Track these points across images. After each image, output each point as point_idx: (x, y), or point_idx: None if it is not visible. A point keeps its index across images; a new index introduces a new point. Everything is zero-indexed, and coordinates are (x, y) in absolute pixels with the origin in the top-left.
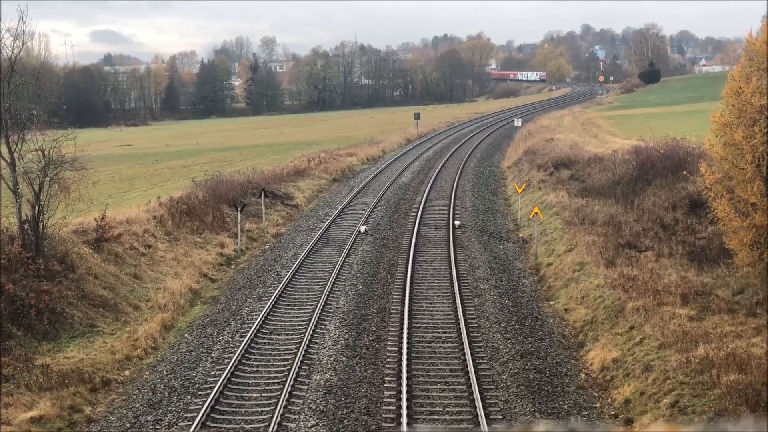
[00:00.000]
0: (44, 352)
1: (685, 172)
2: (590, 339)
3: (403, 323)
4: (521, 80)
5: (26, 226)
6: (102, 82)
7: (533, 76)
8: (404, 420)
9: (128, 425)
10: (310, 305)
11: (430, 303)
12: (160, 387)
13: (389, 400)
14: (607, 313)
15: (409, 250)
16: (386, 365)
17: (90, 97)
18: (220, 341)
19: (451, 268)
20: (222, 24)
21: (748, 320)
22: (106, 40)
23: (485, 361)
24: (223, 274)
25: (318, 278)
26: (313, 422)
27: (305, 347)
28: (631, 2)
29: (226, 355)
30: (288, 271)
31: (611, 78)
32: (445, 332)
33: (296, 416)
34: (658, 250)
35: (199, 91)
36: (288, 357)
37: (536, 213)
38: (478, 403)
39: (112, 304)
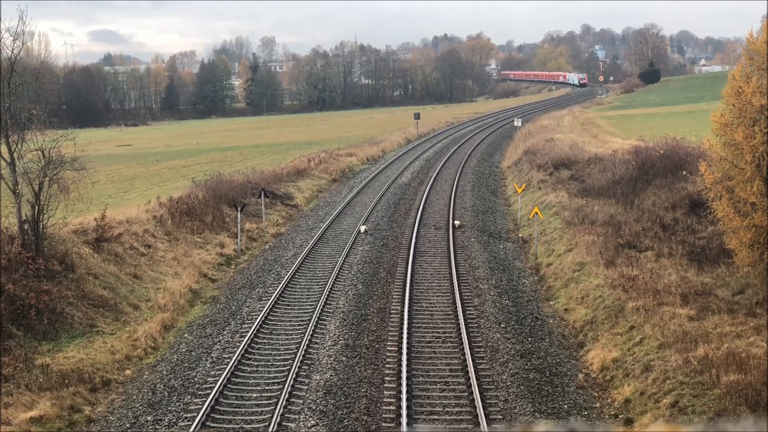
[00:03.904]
0: (44, 352)
1: (684, 172)
2: (590, 339)
3: (402, 323)
4: (569, 83)
5: (26, 226)
6: (102, 82)
7: (574, 78)
8: (404, 420)
9: (128, 425)
10: (310, 305)
11: (430, 303)
12: (160, 387)
13: (389, 400)
14: (607, 313)
15: (409, 250)
16: (386, 365)
17: (90, 97)
18: (220, 341)
19: (450, 268)
20: (223, 23)
21: (748, 320)
22: (105, 39)
23: (485, 361)
24: (223, 274)
25: (318, 278)
26: (313, 422)
27: (305, 347)
28: (631, 2)
29: (226, 355)
30: (288, 271)
31: (611, 78)
32: (445, 332)
33: (296, 416)
34: (658, 250)
35: (199, 91)
36: (288, 357)
37: (536, 213)
38: (478, 403)
39: (112, 304)
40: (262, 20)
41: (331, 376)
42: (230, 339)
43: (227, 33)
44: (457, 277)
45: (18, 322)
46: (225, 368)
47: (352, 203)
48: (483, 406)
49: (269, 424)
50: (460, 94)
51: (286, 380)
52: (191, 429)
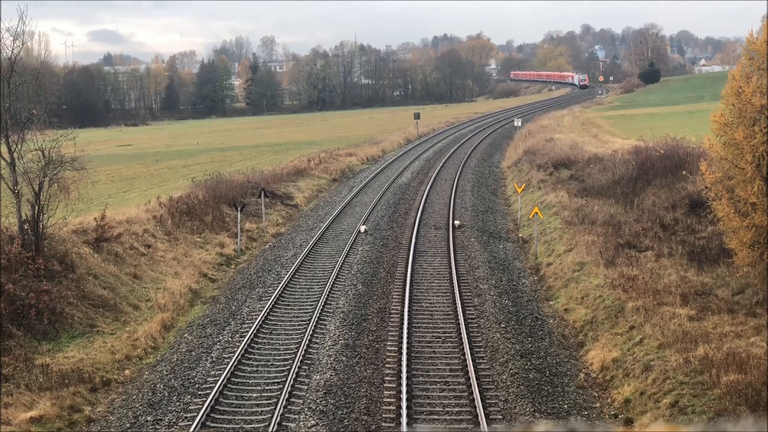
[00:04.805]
0: (44, 352)
1: (684, 172)
2: (590, 339)
3: (402, 323)
4: (574, 84)
5: (26, 226)
6: (102, 82)
7: (576, 80)
8: (404, 420)
9: (128, 425)
10: (310, 305)
11: (430, 303)
12: (159, 387)
13: (389, 400)
14: (607, 313)
15: (409, 250)
16: (386, 365)
17: (90, 97)
18: (219, 341)
19: (450, 268)
20: (223, 23)
21: (748, 320)
22: (105, 39)
23: (485, 361)
24: (223, 274)
25: (318, 278)
26: (313, 422)
27: (305, 347)
28: (631, 2)
29: (225, 355)
30: (288, 271)
31: (611, 78)
32: (445, 332)
33: (296, 416)
34: (658, 250)
35: (199, 91)
36: (288, 357)
37: (536, 213)
38: (478, 403)
39: (112, 304)
40: (262, 20)
41: (331, 376)
42: (230, 339)
43: (227, 33)
44: (457, 277)
45: (18, 322)
46: (225, 368)
47: (352, 203)
48: (483, 406)
49: (269, 424)
50: (460, 94)
51: (286, 380)
52: (191, 429)
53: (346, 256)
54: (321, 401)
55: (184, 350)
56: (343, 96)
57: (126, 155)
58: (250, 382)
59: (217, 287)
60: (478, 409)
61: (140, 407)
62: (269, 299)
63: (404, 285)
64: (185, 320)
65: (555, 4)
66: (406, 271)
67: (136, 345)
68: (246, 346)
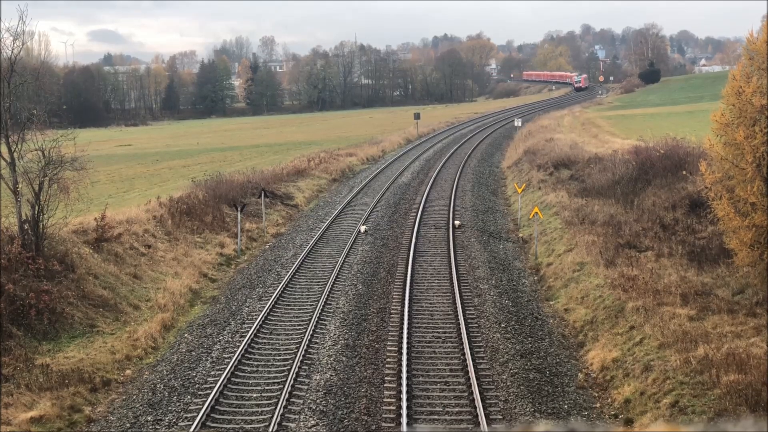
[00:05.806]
0: (44, 352)
1: (684, 172)
2: (590, 339)
3: (403, 323)
4: (574, 84)
5: (26, 226)
6: (102, 82)
7: (578, 79)
8: (404, 420)
9: (128, 425)
10: (310, 305)
11: (430, 303)
12: (160, 387)
13: (389, 400)
14: (607, 313)
15: (409, 250)
16: (386, 365)
17: (90, 97)
18: (220, 341)
19: (451, 268)
20: (223, 23)
21: (748, 320)
22: (105, 39)
23: (485, 361)
24: (223, 274)
25: (318, 278)
26: (313, 422)
27: (305, 347)
28: (631, 2)
29: (226, 355)
30: (288, 271)
31: (611, 78)
32: (445, 332)
33: (296, 416)
34: (658, 250)
35: (199, 91)
36: (288, 357)
37: (536, 213)
38: (478, 403)
39: (112, 304)
40: (263, 20)
41: (332, 376)
42: (230, 339)
43: (227, 33)
44: (457, 277)
45: (18, 322)
46: (225, 368)
47: (352, 203)
48: (483, 406)
49: (269, 424)
50: (460, 94)
51: (286, 380)
52: (191, 429)
53: (346, 256)
54: (321, 401)
55: (184, 350)
56: (343, 96)
57: (126, 155)
58: (251, 382)
59: (217, 287)
60: (478, 409)
61: (140, 407)
62: (269, 299)
63: (404, 285)
64: (185, 320)
65: (555, 4)
66: (406, 271)
67: (136, 345)
68: (246, 346)
